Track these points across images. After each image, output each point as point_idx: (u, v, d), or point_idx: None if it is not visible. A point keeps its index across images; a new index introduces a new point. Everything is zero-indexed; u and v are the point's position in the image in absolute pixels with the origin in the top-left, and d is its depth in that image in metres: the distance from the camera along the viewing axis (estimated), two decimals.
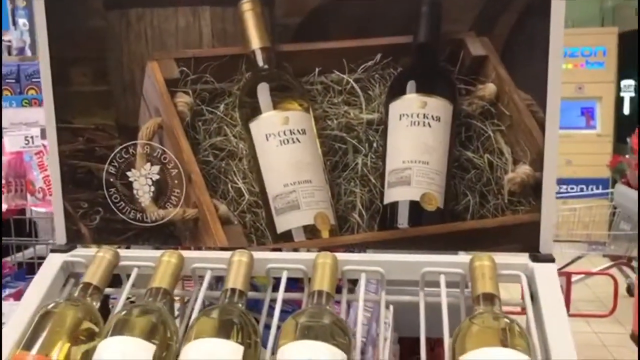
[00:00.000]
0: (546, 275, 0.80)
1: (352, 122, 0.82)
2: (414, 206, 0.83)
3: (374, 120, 0.82)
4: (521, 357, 0.65)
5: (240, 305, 0.76)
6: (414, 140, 0.80)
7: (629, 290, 4.39)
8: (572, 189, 5.65)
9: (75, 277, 0.88)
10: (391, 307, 2.06)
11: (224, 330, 0.71)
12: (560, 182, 5.88)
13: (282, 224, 0.85)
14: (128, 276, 0.86)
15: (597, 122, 5.97)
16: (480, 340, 0.67)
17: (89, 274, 0.82)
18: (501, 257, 0.81)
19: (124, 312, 0.74)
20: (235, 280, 0.79)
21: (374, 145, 0.83)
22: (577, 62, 5.84)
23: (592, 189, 5.44)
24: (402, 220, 0.84)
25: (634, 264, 4.01)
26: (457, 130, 0.81)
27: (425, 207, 0.82)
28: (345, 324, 0.75)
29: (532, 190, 0.81)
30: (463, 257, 0.83)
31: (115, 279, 0.88)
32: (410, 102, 0.80)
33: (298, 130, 0.82)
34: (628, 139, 3.85)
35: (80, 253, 0.89)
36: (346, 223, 0.85)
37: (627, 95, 6.08)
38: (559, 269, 3.59)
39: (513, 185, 0.81)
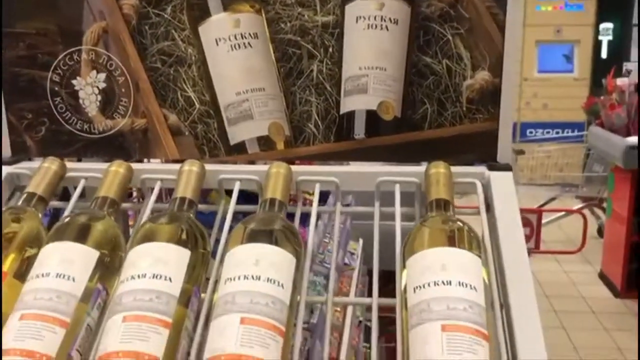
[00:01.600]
0: (502, 184, 0.78)
1: (306, 25, 0.78)
2: (371, 116, 0.80)
3: (329, 23, 0.79)
4: (470, 256, 0.64)
5: (190, 215, 0.74)
6: (371, 44, 0.77)
7: (600, 232, 4.48)
8: (547, 132, 5.68)
9: (21, 190, 0.85)
10: (360, 240, 2.07)
11: (170, 235, 0.69)
12: (537, 125, 5.92)
13: (235, 135, 0.82)
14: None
15: (575, 66, 5.96)
16: (429, 242, 0.66)
17: (33, 184, 0.79)
18: (459, 167, 0.79)
19: (67, 219, 0.72)
20: (185, 189, 0.76)
21: (330, 50, 0.79)
22: (556, 4, 5.79)
23: (567, 132, 5.47)
24: (359, 130, 0.81)
25: (605, 205, 4.07)
26: (415, 34, 0.78)
27: (382, 116, 0.80)
28: (298, 232, 0.73)
29: (491, 97, 0.78)
30: (419, 168, 0.81)
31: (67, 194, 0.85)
32: (367, 4, 0.76)
33: (250, 34, 0.78)
34: (603, 80, 3.85)
35: (26, 165, 0.85)
36: (301, 134, 0.82)
37: (605, 38, 6.06)
38: (534, 209, 3.64)
39: (472, 92, 0.79)
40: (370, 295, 0.72)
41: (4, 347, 0.60)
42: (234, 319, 0.60)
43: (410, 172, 0.79)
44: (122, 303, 0.62)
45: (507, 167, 0.79)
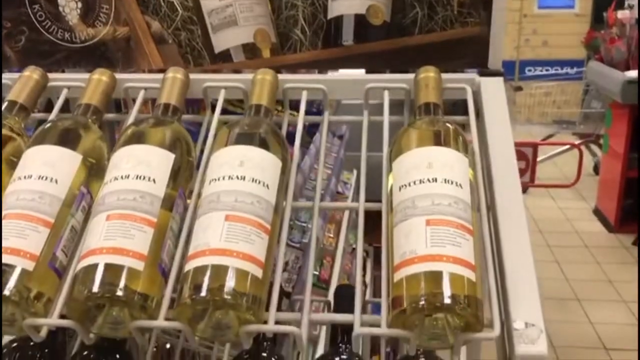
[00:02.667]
0: (493, 91, 0.77)
1: None
2: (360, 20, 0.78)
3: None
4: (457, 155, 0.63)
5: (174, 120, 0.73)
6: None
7: (596, 169, 4.49)
8: (547, 70, 5.61)
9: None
10: (355, 171, 2.06)
11: (154, 138, 0.68)
12: (536, 63, 5.84)
13: (220, 42, 0.80)
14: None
15: (576, 1, 5.83)
16: (416, 142, 0.65)
17: (14, 93, 0.77)
18: (449, 74, 0.78)
19: (49, 124, 0.71)
20: (170, 95, 0.75)
21: None
22: None
23: (567, 71, 5.41)
24: (347, 36, 0.79)
25: (602, 142, 4.06)
26: None
27: (371, 20, 0.78)
28: (284, 137, 0.72)
29: (483, 0, 0.76)
30: (409, 75, 0.79)
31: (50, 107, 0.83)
32: None
33: None
34: (604, 14, 3.78)
35: (6, 76, 0.83)
36: (288, 41, 0.80)
37: None
38: (529, 142, 3.62)
39: None
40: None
41: None
42: (219, 216, 0.60)
43: (400, 79, 0.78)
44: (106, 203, 0.62)
45: (498, 73, 0.78)
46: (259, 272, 0.58)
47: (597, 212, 3.96)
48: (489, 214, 0.66)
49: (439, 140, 0.65)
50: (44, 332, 0.60)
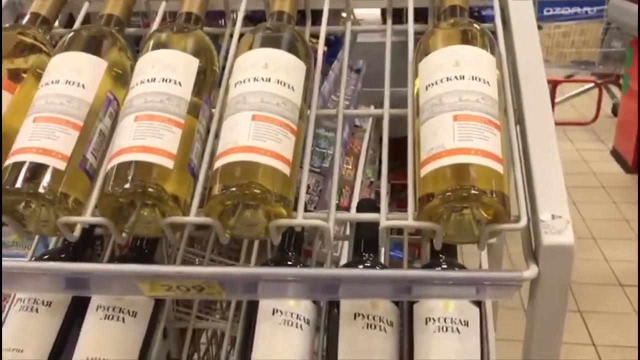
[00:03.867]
0: None
1: None
2: None
3: None
4: (485, 53, 0.63)
5: (197, 28, 0.73)
6: None
7: (614, 110, 4.43)
8: (566, 10, 5.46)
9: (23, 17, 0.83)
10: (372, 106, 2.05)
11: (178, 44, 0.68)
12: (555, 4, 5.68)
13: None
14: None
15: None
16: (442, 42, 0.65)
17: (37, 5, 0.77)
18: None
19: (72, 33, 0.71)
20: (191, 4, 0.74)
21: None
22: None
23: (587, 10, 5.25)
24: None
25: (621, 82, 3.99)
26: None
27: None
28: (307, 42, 0.72)
29: None
30: None
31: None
32: None
33: None
34: None
35: None
36: None
37: None
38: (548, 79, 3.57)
39: None
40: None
41: (20, 146, 0.61)
42: (246, 116, 0.60)
43: None
44: (133, 105, 0.62)
45: None
46: (286, 170, 0.59)
47: (614, 153, 3.92)
48: (516, 115, 0.66)
49: (465, 39, 0.64)
50: (77, 231, 0.61)
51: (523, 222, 0.55)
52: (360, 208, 0.82)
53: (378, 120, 1.99)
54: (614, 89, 4.44)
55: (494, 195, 0.54)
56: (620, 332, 2.37)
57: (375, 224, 0.78)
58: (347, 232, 0.96)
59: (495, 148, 0.56)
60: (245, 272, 0.59)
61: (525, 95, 0.65)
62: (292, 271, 0.58)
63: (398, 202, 2.38)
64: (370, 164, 1.91)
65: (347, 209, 1.38)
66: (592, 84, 4.21)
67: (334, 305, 0.77)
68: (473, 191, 0.54)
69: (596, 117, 3.57)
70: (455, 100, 0.59)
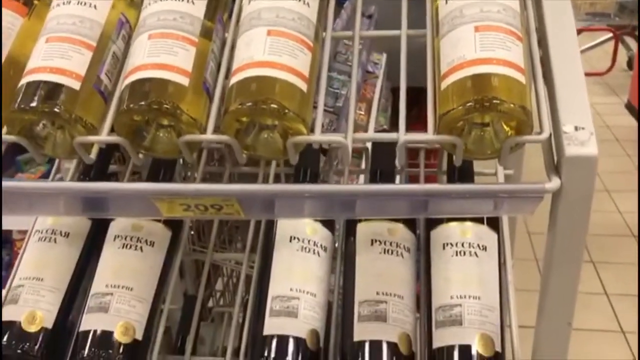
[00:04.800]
0: None
1: None
2: None
3: None
4: None
5: None
6: None
7: (629, 64, 4.35)
8: None
9: None
10: (384, 55, 2.02)
11: None
12: None
13: None
14: None
15: None
16: None
17: None
18: None
19: None
20: None
21: None
22: None
23: None
24: None
25: (637, 33, 3.91)
26: None
27: None
28: None
29: None
30: None
31: None
32: None
33: None
34: None
35: None
36: None
37: None
38: None
39: None
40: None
41: (33, 66, 0.60)
42: (261, 32, 0.59)
43: None
44: (147, 24, 0.61)
45: None
46: (303, 86, 0.58)
47: (629, 107, 3.87)
48: (538, 32, 0.64)
49: None
50: (94, 153, 0.61)
51: (546, 133, 0.54)
52: (375, 144, 0.81)
53: (390, 69, 1.97)
54: (630, 41, 4.35)
55: (516, 105, 0.53)
56: (633, 281, 2.37)
57: (391, 153, 0.78)
58: (363, 166, 0.96)
59: (517, 58, 0.55)
60: (263, 188, 0.59)
61: (547, 7, 0.63)
62: (309, 187, 0.57)
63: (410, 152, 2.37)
64: (383, 112, 1.90)
65: (360, 153, 1.38)
66: (607, 36, 4.13)
67: (351, 233, 0.77)
68: (495, 100, 0.52)
69: (611, 67, 3.51)
70: (476, 12, 0.57)
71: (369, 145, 0.88)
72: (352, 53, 1.48)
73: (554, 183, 0.54)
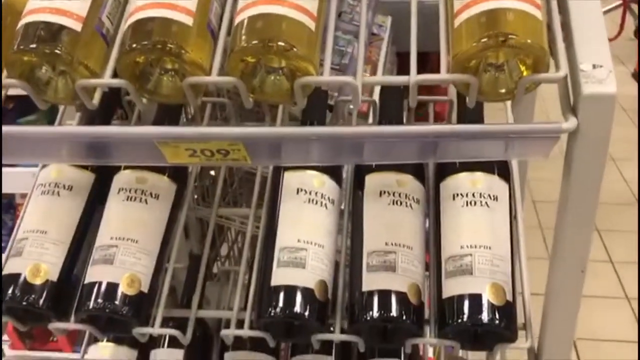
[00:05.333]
0: None
1: None
2: None
3: None
4: None
5: None
6: None
7: (636, 33, 4.29)
8: None
9: None
10: (390, 17, 1.99)
11: None
12: None
13: None
14: None
15: None
16: None
17: None
18: None
19: None
20: None
21: None
22: None
23: None
24: None
25: None
26: None
27: None
28: None
29: None
30: None
31: None
32: None
33: None
34: None
35: None
36: None
37: None
38: None
39: None
40: None
41: (33, 7, 0.58)
42: None
43: None
44: None
45: None
46: (312, 25, 0.56)
47: (635, 76, 3.83)
48: None
49: None
50: (96, 98, 0.59)
51: (562, 71, 0.52)
52: (384, 90, 0.79)
53: (395, 33, 1.94)
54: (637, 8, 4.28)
55: (532, 40, 0.51)
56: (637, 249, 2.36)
57: (400, 102, 0.76)
58: (370, 120, 0.94)
59: None
60: (269, 131, 0.57)
61: None
62: (316, 129, 0.56)
63: (417, 118, 2.34)
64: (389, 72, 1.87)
65: (366, 115, 1.36)
66: (616, 3, 4.06)
67: (358, 187, 0.75)
68: (511, 36, 0.51)
69: (619, 34, 3.45)
70: None
71: (377, 99, 0.86)
72: (357, 12, 1.46)
73: (571, 122, 0.53)
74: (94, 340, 0.92)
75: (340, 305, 0.72)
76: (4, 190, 1.43)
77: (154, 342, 0.89)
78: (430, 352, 1.09)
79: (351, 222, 0.75)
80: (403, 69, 1.51)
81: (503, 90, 0.55)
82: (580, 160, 0.54)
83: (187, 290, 0.88)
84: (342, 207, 0.79)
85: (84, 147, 0.60)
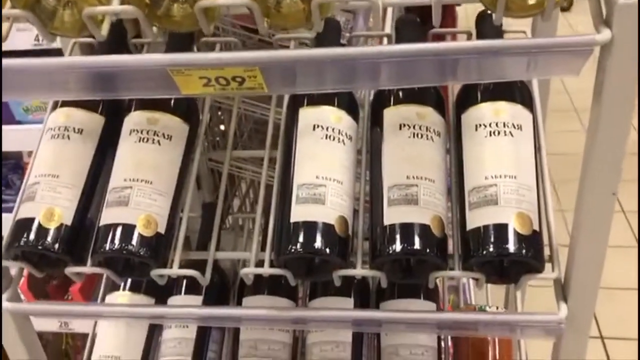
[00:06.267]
0: None
1: None
2: None
3: None
4: None
5: None
6: None
7: None
8: None
9: None
10: None
11: None
12: None
13: None
14: None
15: None
16: None
17: None
18: None
19: None
20: None
21: None
22: None
23: None
24: None
25: None
26: None
27: None
28: None
29: None
30: None
31: None
32: None
33: None
34: None
35: None
36: None
37: None
38: None
39: None
40: None
41: None
42: None
43: None
44: None
45: None
46: None
47: None
48: None
49: None
50: (105, 29, 0.57)
51: None
52: (400, 22, 0.76)
53: None
54: None
55: None
56: None
57: (416, 31, 0.73)
58: None
59: None
60: (286, 54, 0.55)
61: None
62: (331, 51, 0.53)
63: None
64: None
65: None
66: None
67: (377, 123, 0.73)
68: None
69: None
70: None
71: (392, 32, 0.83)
72: None
73: (605, 34, 0.50)
74: (110, 289, 0.91)
75: (361, 242, 0.71)
76: (12, 149, 1.42)
77: (171, 289, 0.88)
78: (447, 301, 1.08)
79: (370, 158, 0.73)
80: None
81: (532, 1, 0.52)
82: (613, 73, 0.52)
83: (203, 237, 0.87)
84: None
85: (92, 79, 0.58)
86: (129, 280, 0.90)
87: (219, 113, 1.18)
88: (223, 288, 0.91)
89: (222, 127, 1.13)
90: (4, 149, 1.37)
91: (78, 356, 1.69)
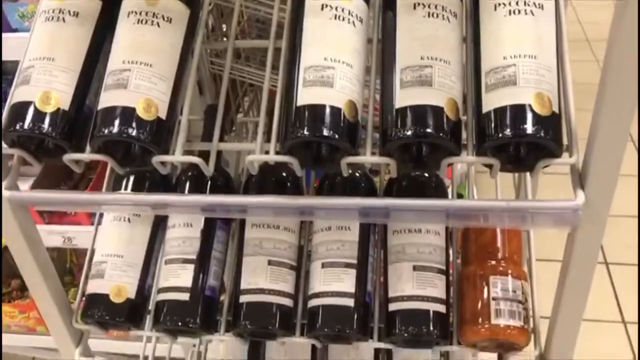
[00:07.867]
0: None
1: None
2: None
3: None
4: None
5: None
6: None
7: None
8: None
9: None
10: None
11: None
12: None
13: None
14: None
15: None
16: None
17: None
18: None
19: None
20: None
21: None
22: None
23: None
24: None
25: None
26: None
27: None
28: None
29: None
30: None
31: None
32: None
33: None
34: None
35: None
36: None
37: None
38: None
39: None
40: None
41: None
42: None
43: None
44: None
45: None
46: None
47: None
48: None
49: None
50: None
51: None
52: None
53: None
54: None
55: None
56: None
57: None
58: None
59: None
60: None
61: None
62: None
63: None
64: None
65: None
66: None
67: (389, 7, 0.69)
68: None
69: None
70: None
71: None
72: None
73: None
74: None
75: (370, 132, 0.68)
76: (9, 58, 1.37)
77: (173, 188, 0.86)
78: None
79: (382, 41, 0.69)
80: None
81: None
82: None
83: (207, 132, 0.84)
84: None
85: None
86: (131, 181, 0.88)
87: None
88: (228, 188, 0.89)
89: (224, 27, 1.07)
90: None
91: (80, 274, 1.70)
